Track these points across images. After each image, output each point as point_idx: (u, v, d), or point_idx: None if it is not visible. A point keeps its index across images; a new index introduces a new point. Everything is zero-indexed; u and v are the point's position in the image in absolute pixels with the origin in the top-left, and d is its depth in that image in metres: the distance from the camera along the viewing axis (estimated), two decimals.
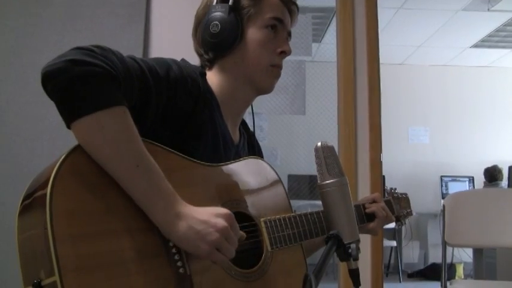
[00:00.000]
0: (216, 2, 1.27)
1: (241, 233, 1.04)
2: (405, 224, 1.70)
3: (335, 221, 1.04)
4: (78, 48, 0.94)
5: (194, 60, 1.32)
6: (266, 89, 1.32)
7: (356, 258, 1.00)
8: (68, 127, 0.93)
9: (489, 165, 6.53)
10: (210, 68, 1.31)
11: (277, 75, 1.32)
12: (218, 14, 1.26)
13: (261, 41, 1.27)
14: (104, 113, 0.91)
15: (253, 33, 1.27)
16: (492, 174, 6.43)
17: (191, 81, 1.16)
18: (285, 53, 1.30)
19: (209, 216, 0.99)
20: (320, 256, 0.90)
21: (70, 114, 0.92)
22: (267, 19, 1.28)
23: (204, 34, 1.28)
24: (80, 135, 0.92)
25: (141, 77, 1.04)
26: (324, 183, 1.05)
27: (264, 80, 1.30)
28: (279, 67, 1.31)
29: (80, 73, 0.90)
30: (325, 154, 1.05)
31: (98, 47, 0.97)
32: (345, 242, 0.99)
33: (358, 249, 1.01)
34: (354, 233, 1.03)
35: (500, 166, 6.43)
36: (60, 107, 0.92)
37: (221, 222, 0.98)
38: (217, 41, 1.25)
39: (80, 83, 0.90)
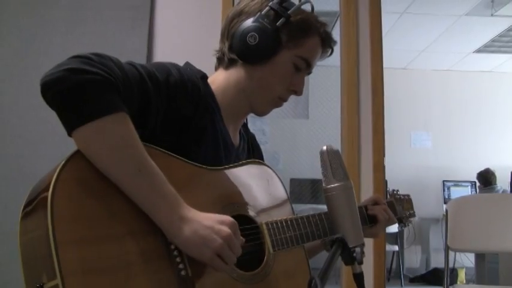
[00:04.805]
0: (266, 13, 1.24)
1: (242, 238, 1.05)
2: (409, 225, 1.68)
3: (340, 224, 1.04)
4: (76, 56, 0.95)
5: (198, 63, 1.30)
6: (260, 114, 1.34)
7: (361, 262, 0.99)
8: (69, 135, 0.94)
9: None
10: (227, 67, 1.31)
11: (278, 106, 1.34)
12: (262, 26, 1.23)
13: (285, 73, 1.28)
14: (104, 120, 0.92)
15: (281, 62, 1.26)
16: (486, 178, 6.36)
17: (191, 85, 1.16)
18: (295, 93, 1.31)
19: (214, 222, 1.00)
20: (325, 260, 0.89)
21: (70, 123, 0.92)
22: (299, 58, 1.27)
23: (238, 36, 1.25)
24: (81, 143, 0.93)
25: (140, 83, 1.04)
26: (329, 187, 1.04)
27: (264, 106, 1.32)
28: (285, 101, 1.32)
29: (79, 81, 0.90)
30: (330, 158, 1.04)
31: (96, 54, 0.97)
32: (350, 246, 0.99)
33: (362, 253, 1.00)
34: (358, 237, 1.03)
35: (492, 169, 6.37)
36: (61, 115, 0.93)
37: (225, 230, 0.99)
38: (245, 49, 1.24)
39: (79, 92, 0.90)
